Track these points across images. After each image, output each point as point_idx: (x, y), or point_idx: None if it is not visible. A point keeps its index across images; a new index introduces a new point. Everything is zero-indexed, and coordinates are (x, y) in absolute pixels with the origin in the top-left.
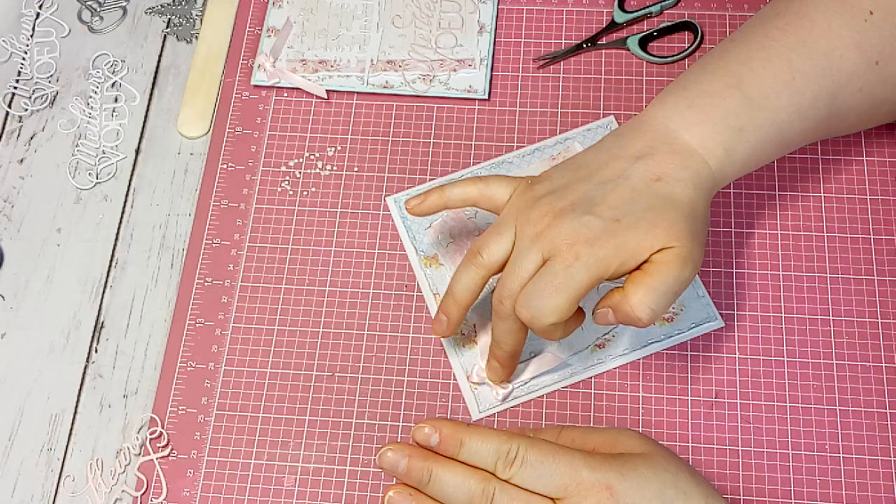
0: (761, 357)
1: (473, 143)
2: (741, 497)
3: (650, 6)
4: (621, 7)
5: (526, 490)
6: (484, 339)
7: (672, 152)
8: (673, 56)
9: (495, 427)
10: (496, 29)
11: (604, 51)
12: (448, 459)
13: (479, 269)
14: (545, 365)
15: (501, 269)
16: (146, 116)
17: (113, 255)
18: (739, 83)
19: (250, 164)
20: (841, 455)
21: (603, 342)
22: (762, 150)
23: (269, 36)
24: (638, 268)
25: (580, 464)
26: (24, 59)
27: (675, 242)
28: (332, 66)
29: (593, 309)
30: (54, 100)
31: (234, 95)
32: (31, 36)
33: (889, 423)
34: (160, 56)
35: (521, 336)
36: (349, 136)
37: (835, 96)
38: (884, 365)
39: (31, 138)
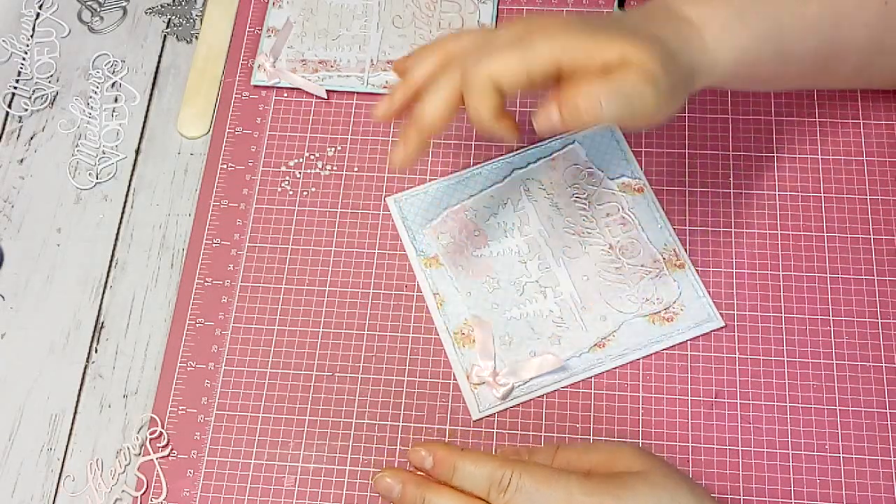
0: (761, 357)
1: (473, 143)
2: (741, 497)
3: None
4: (621, 7)
5: None
6: (481, 338)
7: (668, 18)
8: None
9: (495, 426)
10: None
11: None
12: (443, 486)
13: (440, 44)
14: (545, 365)
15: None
16: (146, 116)
17: (113, 255)
18: None
19: (250, 164)
20: (841, 455)
21: (603, 342)
22: (759, 46)
23: (269, 36)
24: None
25: (575, 489)
26: (24, 59)
27: (645, 58)
28: (332, 66)
29: (537, 109)
30: (54, 100)
31: (234, 95)
32: (31, 36)
33: (889, 423)
34: (160, 56)
35: (449, 108)
36: (349, 136)
37: (839, 21)
38: (884, 365)
39: (31, 138)
